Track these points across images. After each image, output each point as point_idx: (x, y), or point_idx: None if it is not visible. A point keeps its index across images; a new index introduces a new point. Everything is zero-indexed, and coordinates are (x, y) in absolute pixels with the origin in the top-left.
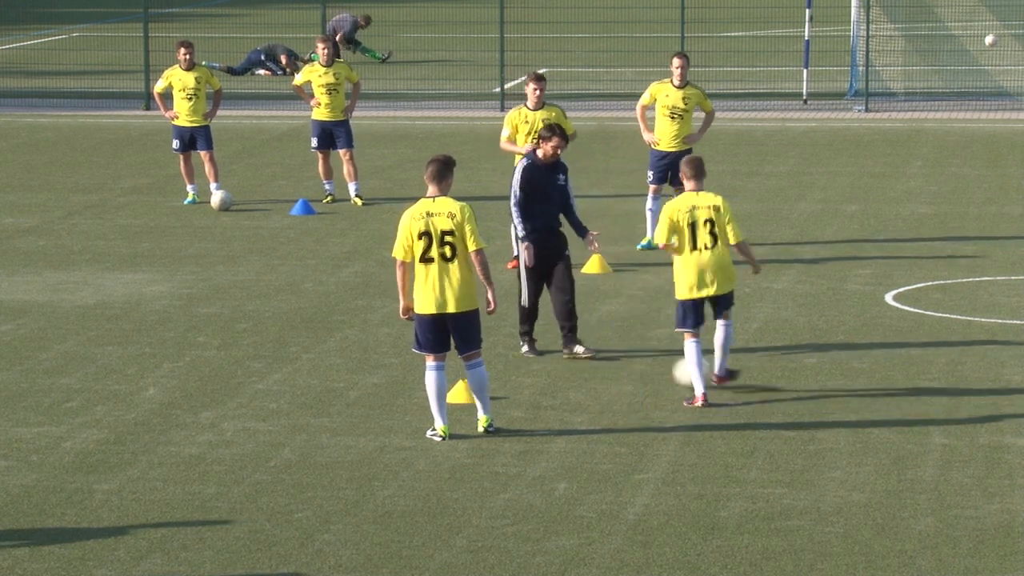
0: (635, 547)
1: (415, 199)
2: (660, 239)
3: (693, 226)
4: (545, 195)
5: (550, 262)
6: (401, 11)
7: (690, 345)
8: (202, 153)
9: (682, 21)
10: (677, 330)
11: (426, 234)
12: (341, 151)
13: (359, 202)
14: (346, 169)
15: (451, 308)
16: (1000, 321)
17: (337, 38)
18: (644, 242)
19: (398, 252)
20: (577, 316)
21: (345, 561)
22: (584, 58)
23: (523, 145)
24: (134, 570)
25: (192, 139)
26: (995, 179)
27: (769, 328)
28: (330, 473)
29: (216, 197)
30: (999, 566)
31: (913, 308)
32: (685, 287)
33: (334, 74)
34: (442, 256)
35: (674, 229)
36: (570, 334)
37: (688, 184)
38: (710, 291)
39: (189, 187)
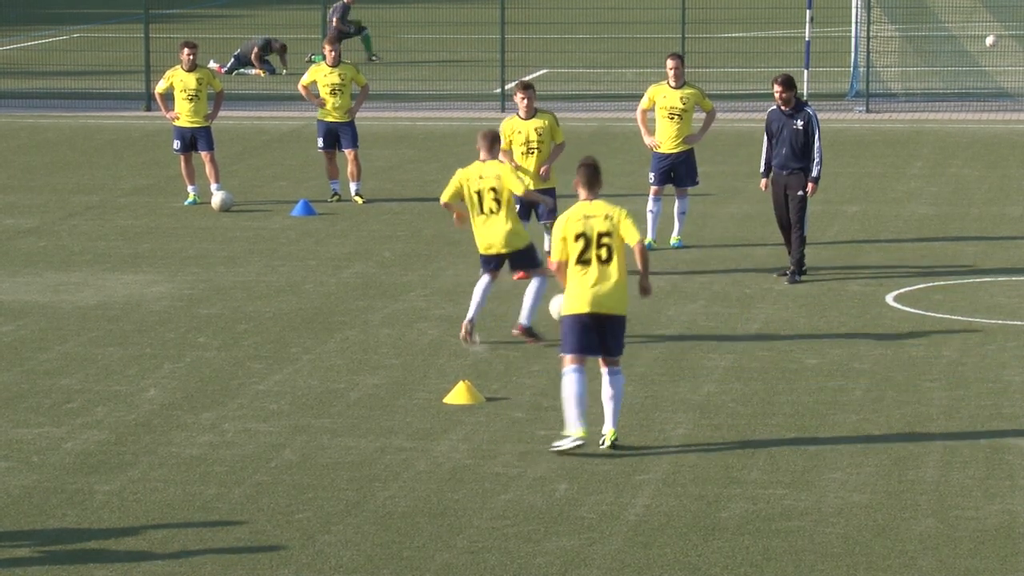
0: (636, 548)
1: (416, 200)
2: (555, 255)
3: (586, 238)
4: (782, 139)
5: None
6: (402, 12)
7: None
8: (203, 154)
9: (682, 22)
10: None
11: (583, 235)
12: (346, 151)
13: (360, 200)
14: (350, 168)
15: (607, 310)
16: (1000, 322)
17: (333, 23)
18: (645, 243)
19: (555, 255)
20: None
21: (346, 562)
22: (585, 59)
23: (516, 158)
24: (134, 570)
25: (193, 140)
26: (996, 180)
27: (769, 328)
28: (331, 474)
29: (217, 198)
30: (1000, 567)
31: (914, 309)
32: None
33: (339, 75)
34: (599, 258)
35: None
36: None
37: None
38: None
39: (190, 188)
